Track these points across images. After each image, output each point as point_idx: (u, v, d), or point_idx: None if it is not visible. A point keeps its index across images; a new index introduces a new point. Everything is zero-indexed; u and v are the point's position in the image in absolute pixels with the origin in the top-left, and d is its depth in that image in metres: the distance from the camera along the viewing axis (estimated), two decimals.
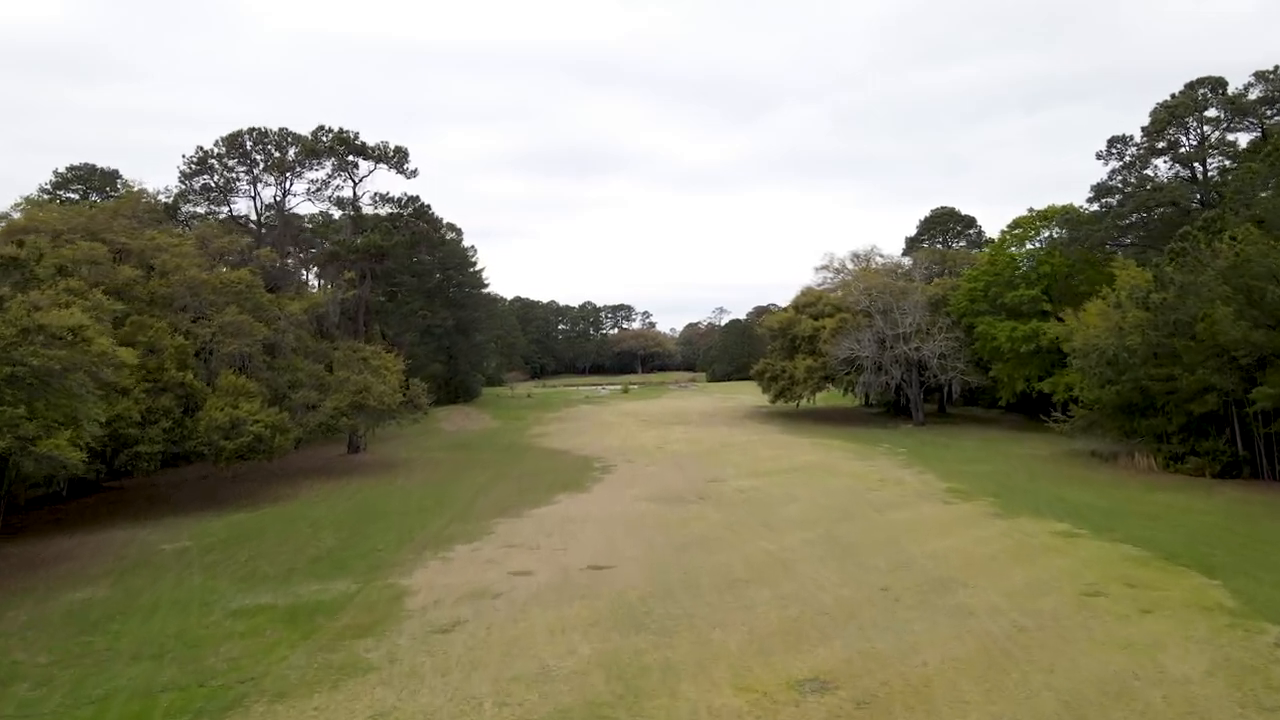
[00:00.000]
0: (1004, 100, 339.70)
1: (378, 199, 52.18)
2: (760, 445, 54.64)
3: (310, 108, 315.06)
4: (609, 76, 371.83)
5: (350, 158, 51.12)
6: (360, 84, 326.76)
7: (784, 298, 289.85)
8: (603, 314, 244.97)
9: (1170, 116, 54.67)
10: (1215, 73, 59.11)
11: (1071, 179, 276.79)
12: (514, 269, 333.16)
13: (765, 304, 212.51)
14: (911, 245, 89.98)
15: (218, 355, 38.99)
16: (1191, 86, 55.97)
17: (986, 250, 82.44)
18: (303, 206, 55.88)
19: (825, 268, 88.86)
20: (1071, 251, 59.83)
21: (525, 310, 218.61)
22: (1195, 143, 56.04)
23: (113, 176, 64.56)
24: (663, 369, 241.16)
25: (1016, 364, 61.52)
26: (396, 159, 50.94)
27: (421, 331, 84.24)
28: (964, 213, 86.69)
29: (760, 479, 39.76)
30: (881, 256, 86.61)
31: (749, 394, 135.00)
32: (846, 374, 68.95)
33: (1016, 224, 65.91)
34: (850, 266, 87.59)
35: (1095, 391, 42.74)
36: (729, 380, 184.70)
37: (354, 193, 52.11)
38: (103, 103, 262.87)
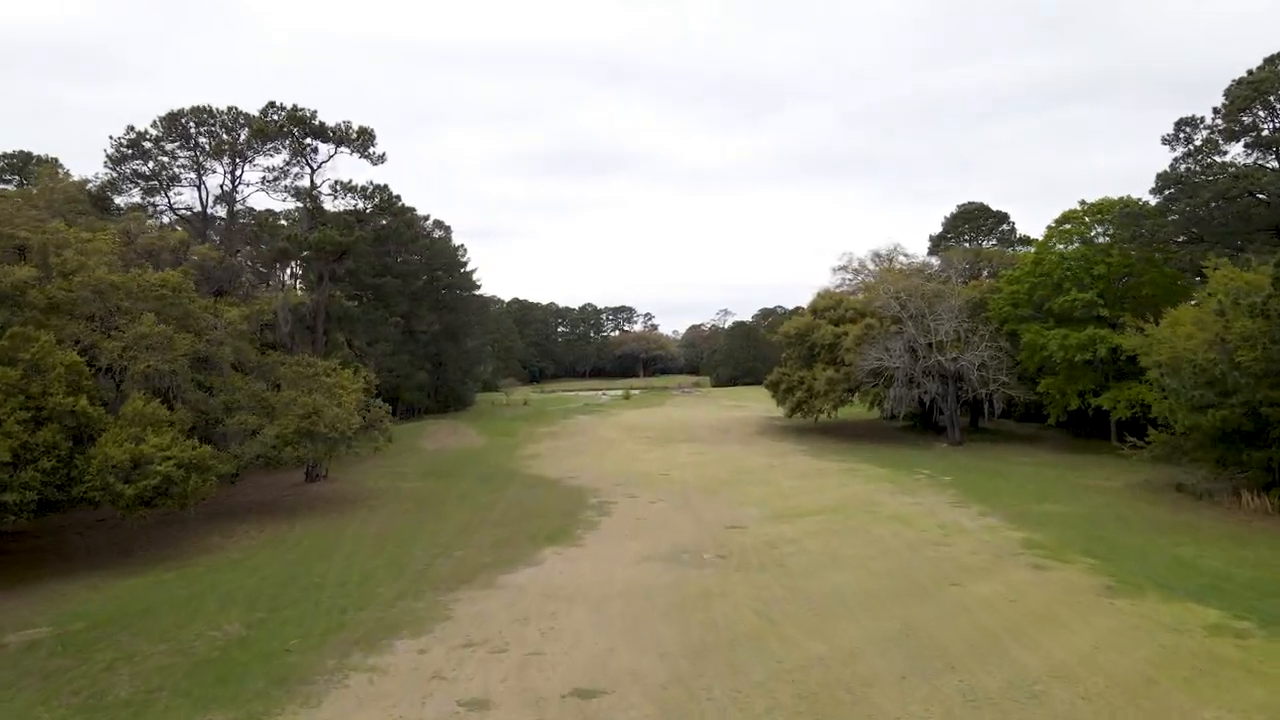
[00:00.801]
0: (1016, 99, 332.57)
1: (338, 188, 45.07)
2: (782, 472, 47.54)
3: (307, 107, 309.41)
4: (610, 76, 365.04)
5: (307, 140, 44.13)
6: (358, 83, 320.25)
7: (790, 299, 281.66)
8: (603, 316, 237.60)
9: (1254, 94, 47.50)
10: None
11: (1088, 177, 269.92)
12: (513, 270, 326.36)
13: (772, 306, 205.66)
14: (937, 244, 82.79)
15: (129, 375, 31.91)
16: (1272, 60, 48.88)
17: (1025, 250, 75.43)
18: (258, 198, 48.63)
19: (844, 268, 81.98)
20: (1133, 249, 52.71)
21: (523, 312, 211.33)
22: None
23: (53, 165, 57.62)
24: (665, 372, 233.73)
25: (1068, 377, 54.41)
26: (360, 141, 43.90)
27: (403, 337, 77.23)
28: (995, 208, 79.29)
29: (790, 524, 32.65)
30: (905, 256, 79.55)
31: (757, 401, 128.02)
32: (873, 386, 61.82)
33: (1065, 218, 58.74)
34: (871, 267, 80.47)
35: (1187, 415, 35.58)
36: (734, 385, 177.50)
37: (311, 181, 45.08)
38: (101, 103, 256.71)
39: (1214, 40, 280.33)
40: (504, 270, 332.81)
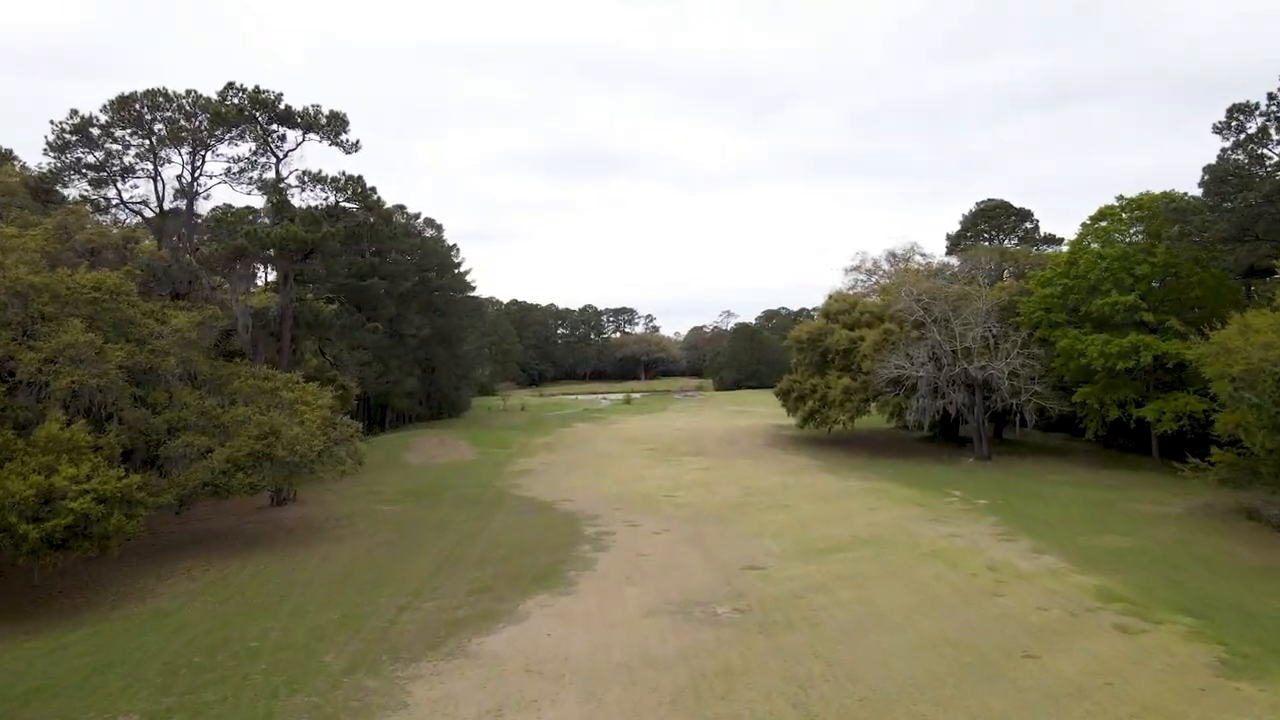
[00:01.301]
0: (1024, 99, 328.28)
1: (306, 179, 40.52)
2: (799, 493, 43.11)
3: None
4: (610, 76, 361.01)
5: (272, 126, 39.78)
6: (355, 83, 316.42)
7: (794, 300, 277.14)
8: (604, 317, 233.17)
9: None
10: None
11: (1100, 178, 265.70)
12: (513, 272, 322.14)
13: (775, 307, 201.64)
14: (956, 243, 78.38)
15: (51, 392, 27.51)
16: None
17: (1052, 249, 71.03)
18: (222, 192, 44.20)
19: (857, 269, 77.82)
20: (1181, 248, 48.28)
21: (522, 314, 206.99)
22: None
23: (7, 157, 53.33)
24: (666, 374, 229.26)
25: (1108, 386, 49.99)
26: (330, 128, 39.51)
27: (391, 341, 72.87)
28: (1016, 205, 74.80)
29: (816, 564, 28.20)
30: (922, 255, 75.42)
31: (764, 407, 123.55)
32: (893, 396, 57.35)
33: (1102, 215, 54.27)
34: (886, 267, 76.30)
35: (1269, 435, 31.15)
36: (738, 389, 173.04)
37: (277, 171, 40.64)
38: (98, 101, 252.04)
39: (1225, 39, 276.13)
40: (504, 272, 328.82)
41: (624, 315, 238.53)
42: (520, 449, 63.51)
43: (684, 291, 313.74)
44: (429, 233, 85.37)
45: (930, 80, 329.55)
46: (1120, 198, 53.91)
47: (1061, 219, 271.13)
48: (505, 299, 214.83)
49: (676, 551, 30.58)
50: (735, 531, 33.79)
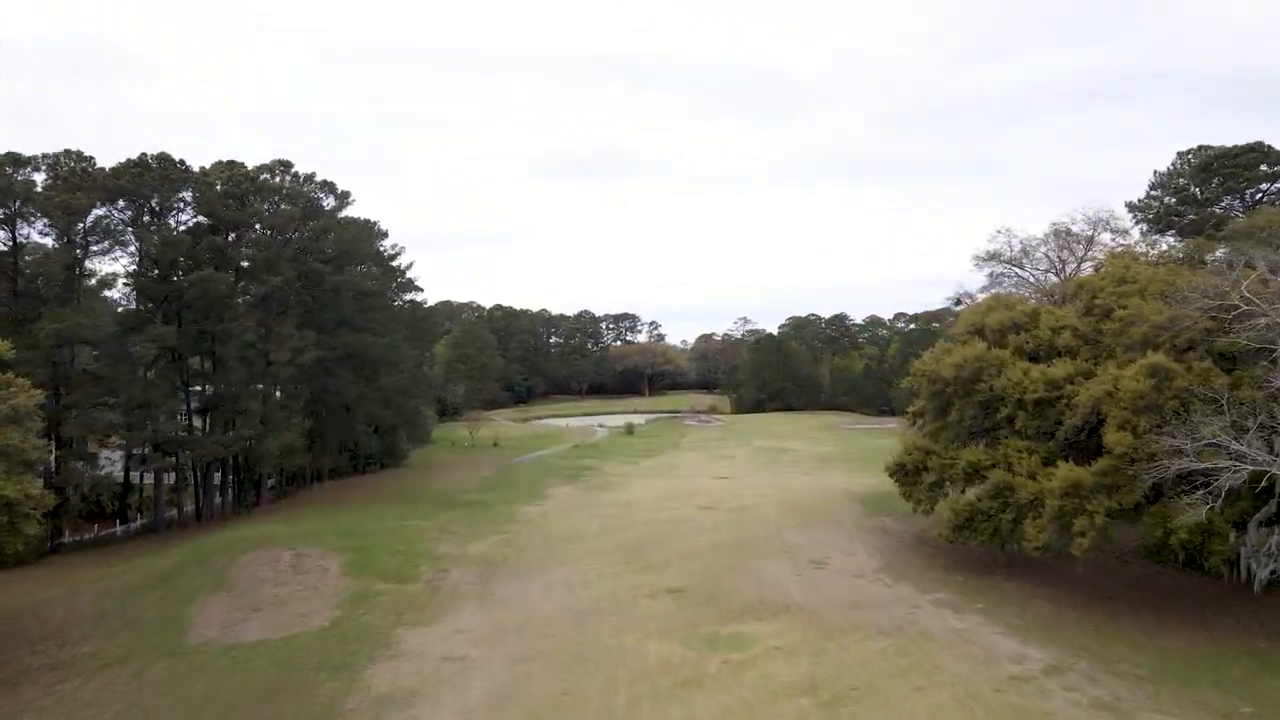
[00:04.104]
0: (1046, 101, 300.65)
1: None
2: None
3: (309, 109, 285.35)
4: (608, 76, 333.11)
5: None
6: (352, 82, 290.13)
7: (808, 306, 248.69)
8: (603, 324, 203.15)
9: None
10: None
11: (1120, 179, 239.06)
12: (506, 277, 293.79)
13: (804, 314, 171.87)
14: (1159, 216, 49.18)
15: None
16: None
17: None
18: None
19: (994, 257, 48.83)
20: None
21: (507, 321, 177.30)
22: None
23: None
24: (673, 387, 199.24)
25: None
26: None
27: (246, 370, 44.04)
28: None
29: None
30: (1112, 232, 46.56)
31: (803, 440, 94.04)
32: (1181, 501, 28.03)
33: None
34: (1049, 254, 47.32)
35: None
36: (760, 410, 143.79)
37: None
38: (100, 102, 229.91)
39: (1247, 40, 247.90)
40: (490, 277, 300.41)
41: (625, 322, 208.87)
42: (431, 584, 34.22)
43: (690, 295, 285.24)
44: (330, 204, 56.01)
45: (956, 83, 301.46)
46: None
47: None
48: (488, 304, 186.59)
49: None
50: None
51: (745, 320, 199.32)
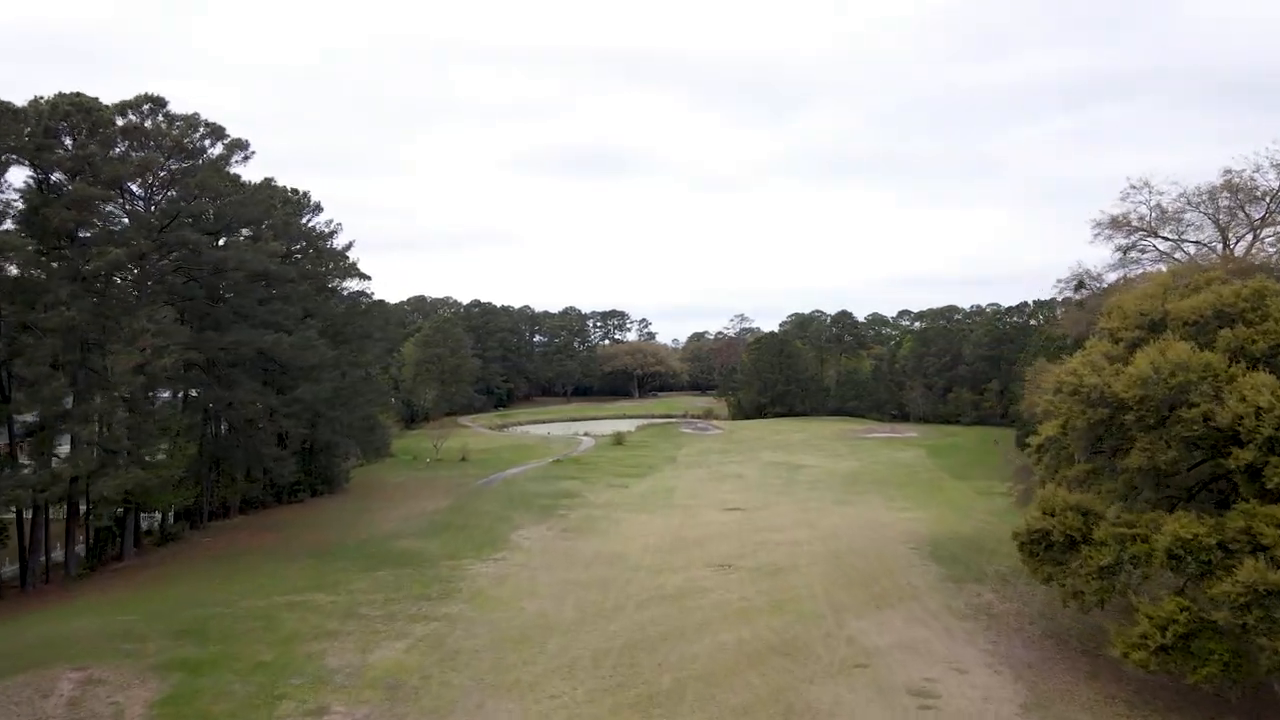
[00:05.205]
0: (1044, 100, 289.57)
1: None
2: None
3: (309, 105, 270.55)
4: (604, 73, 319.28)
5: None
6: (345, 80, 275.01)
7: (806, 304, 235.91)
8: (590, 322, 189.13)
9: None
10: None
11: (1120, 180, 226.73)
12: (484, 275, 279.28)
13: (808, 311, 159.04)
14: None
15: None
16: None
17: None
18: None
19: (1123, 222, 35.66)
20: None
21: (485, 319, 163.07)
22: None
23: None
24: (664, 389, 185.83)
25: None
26: None
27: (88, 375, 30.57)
28: None
29: None
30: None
31: (819, 454, 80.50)
32: None
33: None
34: (1208, 220, 34.25)
35: None
36: (761, 416, 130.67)
37: None
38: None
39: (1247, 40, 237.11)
40: (472, 275, 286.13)
41: (614, 319, 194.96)
42: None
43: (681, 293, 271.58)
44: (217, 151, 42.17)
45: (954, 81, 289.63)
46: None
47: None
48: (465, 299, 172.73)
49: None
50: None
51: (741, 318, 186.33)
